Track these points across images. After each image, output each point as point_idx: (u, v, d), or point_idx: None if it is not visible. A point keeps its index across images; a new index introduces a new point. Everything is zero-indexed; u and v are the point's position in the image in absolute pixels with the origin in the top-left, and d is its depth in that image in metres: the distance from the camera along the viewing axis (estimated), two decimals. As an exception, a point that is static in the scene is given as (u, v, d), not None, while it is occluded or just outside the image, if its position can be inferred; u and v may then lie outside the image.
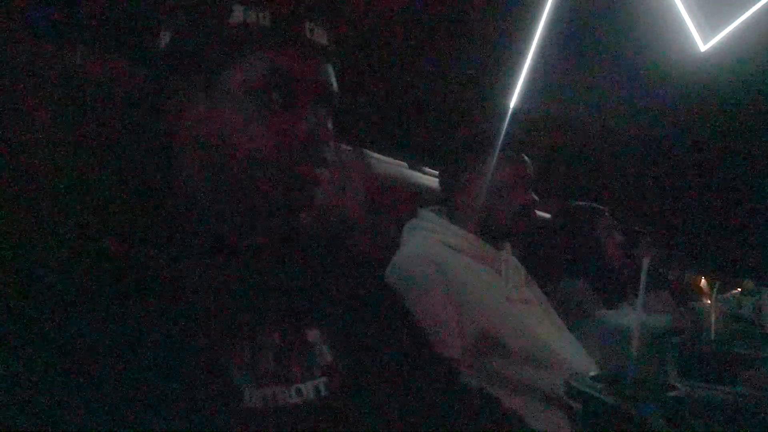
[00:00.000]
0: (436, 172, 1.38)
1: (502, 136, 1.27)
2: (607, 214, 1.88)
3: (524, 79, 2.06)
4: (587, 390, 0.63)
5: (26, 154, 0.68)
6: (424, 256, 1.14)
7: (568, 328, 1.28)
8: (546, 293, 1.37)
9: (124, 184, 0.73)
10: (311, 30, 0.63)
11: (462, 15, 1.79)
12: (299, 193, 0.62)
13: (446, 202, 1.31)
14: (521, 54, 2.02)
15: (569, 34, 2.00)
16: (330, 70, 0.66)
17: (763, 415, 0.61)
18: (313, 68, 0.63)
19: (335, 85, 0.66)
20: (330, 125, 0.66)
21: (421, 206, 1.32)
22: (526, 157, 1.30)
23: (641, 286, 0.69)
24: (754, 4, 2.15)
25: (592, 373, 0.68)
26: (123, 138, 0.76)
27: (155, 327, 0.51)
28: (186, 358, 0.51)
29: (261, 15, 0.61)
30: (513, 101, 2.10)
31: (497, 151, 1.26)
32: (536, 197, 1.29)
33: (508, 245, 1.31)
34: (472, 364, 1.09)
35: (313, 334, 0.62)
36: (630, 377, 0.62)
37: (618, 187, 3.26)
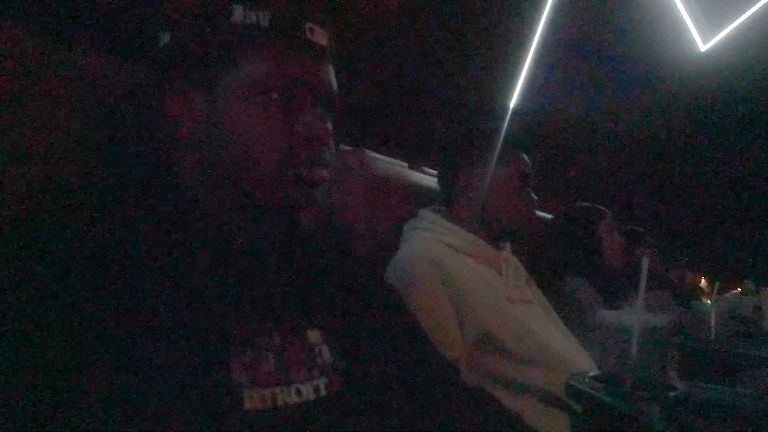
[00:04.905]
0: (436, 172, 1.38)
1: (501, 136, 1.27)
2: (608, 214, 1.88)
3: (524, 79, 2.05)
4: (587, 390, 0.63)
5: (27, 154, 0.68)
6: (424, 256, 1.14)
7: (568, 328, 1.28)
8: (546, 293, 1.37)
9: (124, 184, 0.73)
10: (311, 30, 0.63)
11: (462, 15, 1.79)
12: (299, 193, 0.62)
13: (446, 202, 1.31)
14: (521, 54, 2.02)
15: (569, 34, 2.00)
16: (330, 70, 0.66)
17: (763, 415, 0.61)
18: (313, 69, 0.64)
19: (335, 85, 0.66)
20: (330, 125, 0.66)
21: (421, 206, 1.32)
22: (525, 157, 1.30)
23: (641, 286, 0.69)
24: (754, 4, 2.15)
25: (592, 373, 0.68)
26: (123, 138, 0.76)
27: (154, 327, 0.51)
28: (186, 359, 0.51)
29: (261, 15, 0.61)
30: (513, 101, 2.10)
31: (497, 151, 1.26)
32: (536, 197, 1.29)
33: (508, 245, 1.31)
34: (472, 364, 1.09)
35: (313, 335, 0.62)
36: (630, 377, 0.62)
37: (618, 187, 3.26)
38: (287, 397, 0.56)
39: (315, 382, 0.59)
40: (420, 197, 1.40)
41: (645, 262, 0.70)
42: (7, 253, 0.52)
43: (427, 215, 1.28)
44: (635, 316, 0.65)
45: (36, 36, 0.71)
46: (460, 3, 1.77)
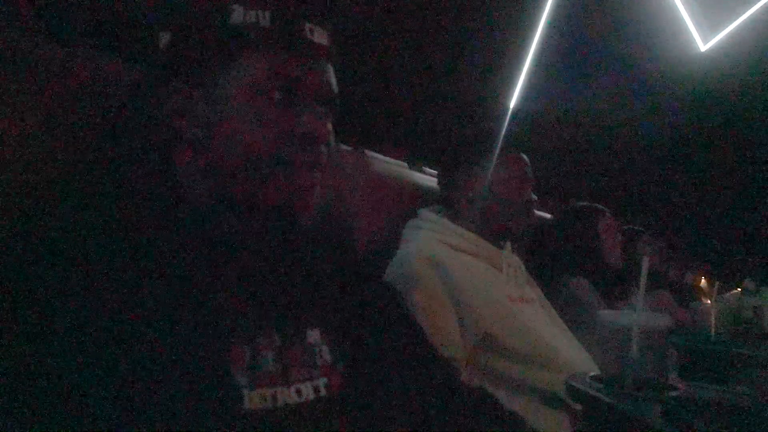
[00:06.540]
0: (436, 172, 1.38)
1: (501, 136, 1.27)
2: (608, 214, 1.88)
3: (524, 79, 2.06)
4: (587, 390, 0.63)
5: (26, 154, 0.68)
6: (424, 255, 1.14)
7: (568, 328, 1.28)
8: (546, 293, 1.37)
9: (124, 183, 0.73)
10: (311, 30, 0.63)
11: (462, 14, 1.79)
12: (296, 193, 0.62)
13: (446, 201, 1.31)
14: (521, 54, 2.02)
15: (569, 34, 2.00)
16: (330, 70, 0.66)
17: (763, 415, 0.61)
18: (313, 69, 0.63)
19: (335, 85, 0.66)
20: (329, 125, 0.66)
21: (421, 206, 1.32)
22: (525, 157, 1.30)
23: (641, 286, 0.69)
24: (754, 4, 2.15)
25: (592, 373, 0.68)
26: (123, 138, 0.76)
27: (154, 327, 0.51)
28: (186, 359, 0.51)
29: (261, 15, 0.61)
30: (513, 101, 2.10)
31: (496, 151, 1.26)
32: (535, 196, 1.29)
33: (508, 244, 1.31)
34: (472, 364, 1.09)
35: (313, 334, 0.62)
36: (630, 377, 0.62)
37: (618, 187, 3.26)
38: (287, 397, 0.56)
39: (315, 382, 0.59)
40: (420, 197, 1.40)
41: (645, 262, 0.71)
42: (6, 252, 0.52)
43: (427, 215, 1.28)
44: (635, 316, 0.65)
45: (36, 36, 0.71)
46: (461, 3, 1.77)
